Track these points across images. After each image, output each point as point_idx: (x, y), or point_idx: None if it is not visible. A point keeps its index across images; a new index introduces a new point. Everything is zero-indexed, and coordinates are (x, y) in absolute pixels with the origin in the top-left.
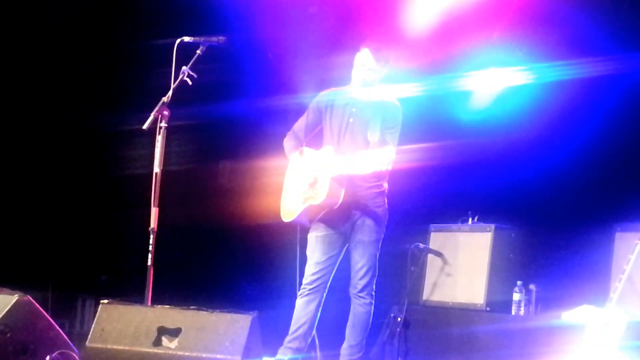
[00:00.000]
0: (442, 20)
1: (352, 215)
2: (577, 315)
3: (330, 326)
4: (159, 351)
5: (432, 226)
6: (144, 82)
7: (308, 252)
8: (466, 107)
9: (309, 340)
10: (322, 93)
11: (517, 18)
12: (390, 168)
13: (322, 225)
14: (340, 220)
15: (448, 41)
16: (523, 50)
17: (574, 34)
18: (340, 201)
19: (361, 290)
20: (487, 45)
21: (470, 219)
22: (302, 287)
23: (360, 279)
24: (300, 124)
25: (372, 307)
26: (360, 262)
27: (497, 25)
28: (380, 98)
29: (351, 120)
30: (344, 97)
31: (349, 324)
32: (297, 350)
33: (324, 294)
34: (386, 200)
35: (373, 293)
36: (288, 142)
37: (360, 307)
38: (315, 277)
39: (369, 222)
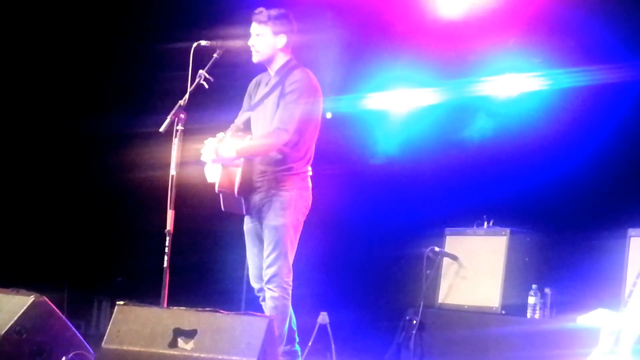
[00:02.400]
0: (458, 26)
1: (258, 200)
2: (592, 318)
3: (345, 330)
4: (175, 353)
5: (448, 230)
6: (161, 85)
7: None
8: (481, 112)
9: (296, 337)
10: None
11: (533, 24)
12: (277, 150)
13: (247, 216)
14: (252, 207)
15: (464, 47)
16: (538, 59)
17: (589, 40)
18: (236, 187)
19: (269, 281)
20: (503, 51)
21: (485, 223)
22: (256, 291)
23: (268, 267)
24: (238, 116)
25: (285, 302)
26: (268, 249)
27: (513, 31)
28: (285, 66)
29: (265, 101)
30: (265, 79)
31: None
32: (295, 353)
33: None
34: (300, 184)
35: (285, 286)
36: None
37: (269, 300)
38: (260, 281)
39: (275, 205)
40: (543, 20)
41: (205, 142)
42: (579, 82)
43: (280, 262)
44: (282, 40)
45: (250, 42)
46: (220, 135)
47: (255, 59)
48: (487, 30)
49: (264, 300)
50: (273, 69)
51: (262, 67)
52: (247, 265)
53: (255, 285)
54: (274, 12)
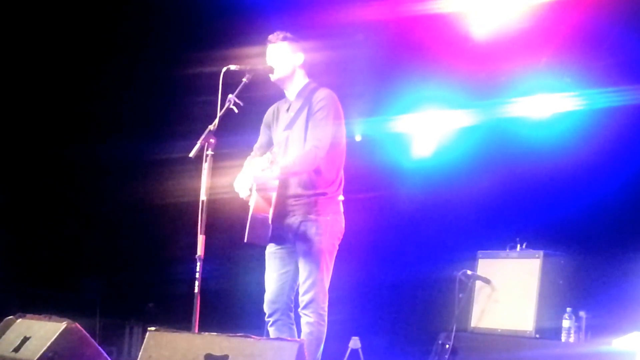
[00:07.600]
0: (488, 46)
1: (292, 224)
2: (628, 341)
3: (377, 355)
4: None
5: (480, 252)
6: (191, 110)
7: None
8: (513, 133)
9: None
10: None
11: (566, 43)
12: (312, 168)
13: (272, 241)
14: (284, 231)
15: (495, 66)
16: (568, 78)
17: (625, 58)
18: (270, 213)
19: (305, 307)
20: (536, 70)
21: (518, 246)
22: (266, 316)
23: (304, 293)
24: (256, 144)
25: (320, 329)
26: (304, 275)
27: (545, 50)
28: (305, 88)
29: (294, 125)
30: (283, 106)
31: None
32: None
33: (292, 313)
34: (334, 209)
35: (322, 312)
36: (248, 163)
37: (304, 326)
38: (273, 306)
39: (311, 231)
40: (576, 38)
41: (258, 159)
42: (614, 102)
43: (316, 289)
44: (300, 58)
45: (269, 62)
46: (268, 155)
47: (275, 76)
48: (519, 49)
49: (272, 325)
50: (292, 91)
51: (280, 95)
52: (273, 291)
53: (267, 310)
54: (288, 34)
